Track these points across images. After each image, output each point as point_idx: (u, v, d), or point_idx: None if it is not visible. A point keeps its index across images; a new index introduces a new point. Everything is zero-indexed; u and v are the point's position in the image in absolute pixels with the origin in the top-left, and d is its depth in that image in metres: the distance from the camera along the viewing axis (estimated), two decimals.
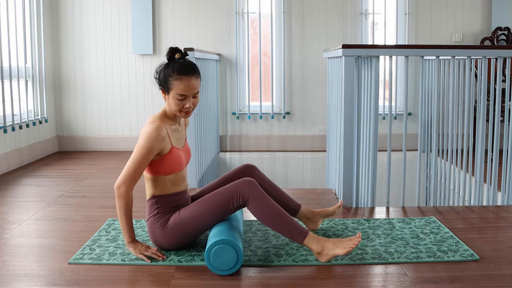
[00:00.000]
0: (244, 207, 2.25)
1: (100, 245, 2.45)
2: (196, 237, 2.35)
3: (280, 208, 2.24)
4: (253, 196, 2.20)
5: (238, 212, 2.54)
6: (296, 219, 2.78)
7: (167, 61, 2.30)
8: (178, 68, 2.25)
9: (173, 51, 2.28)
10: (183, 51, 2.30)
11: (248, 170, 2.55)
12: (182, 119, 2.45)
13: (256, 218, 2.25)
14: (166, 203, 2.31)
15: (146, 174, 2.33)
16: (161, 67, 2.31)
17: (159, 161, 2.26)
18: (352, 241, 2.19)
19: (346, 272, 2.15)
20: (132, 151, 2.24)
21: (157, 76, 2.31)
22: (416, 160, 4.31)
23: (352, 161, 3.20)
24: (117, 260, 2.27)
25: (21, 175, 4.24)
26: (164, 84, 2.28)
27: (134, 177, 2.20)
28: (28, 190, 3.78)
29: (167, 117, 2.33)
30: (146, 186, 2.35)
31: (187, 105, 2.27)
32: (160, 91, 2.33)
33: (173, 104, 2.27)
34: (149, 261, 2.24)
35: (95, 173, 4.32)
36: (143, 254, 2.26)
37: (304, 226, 2.42)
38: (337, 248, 2.18)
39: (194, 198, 2.50)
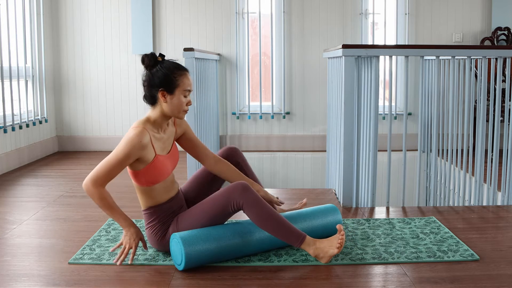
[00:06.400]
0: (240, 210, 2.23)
1: (100, 245, 2.45)
2: None
3: (277, 213, 2.20)
4: (247, 203, 2.16)
5: None
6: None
7: (149, 67, 2.26)
8: (175, 65, 2.26)
9: (152, 55, 2.25)
10: (159, 54, 2.29)
11: (231, 153, 2.55)
12: (168, 126, 2.37)
13: (253, 222, 2.23)
14: (162, 212, 2.29)
15: (136, 185, 2.29)
16: (153, 71, 2.25)
17: (144, 170, 2.21)
18: (338, 237, 2.18)
19: (346, 272, 2.16)
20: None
21: (154, 81, 2.24)
22: (416, 160, 4.31)
23: (352, 161, 3.19)
24: None
25: (21, 175, 4.24)
26: (168, 83, 2.22)
27: (105, 179, 2.16)
28: (28, 190, 3.78)
29: (151, 124, 2.27)
30: (138, 197, 2.31)
31: (189, 102, 2.28)
32: (158, 95, 2.24)
33: (178, 103, 2.24)
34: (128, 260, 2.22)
35: None
36: (126, 249, 2.20)
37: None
38: (331, 248, 2.17)
39: (185, 193, 2.49)
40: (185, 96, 2.26)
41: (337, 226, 2.18)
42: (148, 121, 2.27)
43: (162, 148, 2.29)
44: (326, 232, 2.46)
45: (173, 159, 2.36)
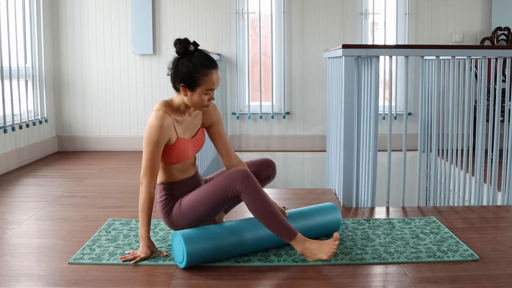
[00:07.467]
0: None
1: (100, 245, 2.45)
2: (202, 223, 2.33)
3: (273, 206, 2.21)
4: (246, 191, 2.18)
5: None
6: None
7: (179, 54, 2.20)
8: (203, 62, 2.18)
9: (184, 43, 2.19)
10: (193, 42, 2.22)
11: (267, 165, 2.51)
12: (195, 110, 2.34)
13: (248, 210, 2.23)
14: (174, 190, 2.33)
15: None
16: (179, 63, 2.19)
17: (165, 150, 2.25)
18: (331, 244, 2.16)
19: (346, 272, 2.15)
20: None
21: (177, 74, 2.20)
22: (416, 160, 4.30)
23: (352, 161, 3.19)
24: (117, 260, 2.27)
25: (21, 175, 4.24)
26: (190, 81, 2.18)
27: (152, 170, 2.21)
28: (28, 190, 3.78)
29: (174, 107, 2.27)
30: None
31: (212, 98, 2.25)
32: (180, 88, 2.22)
33: (198, 100, 2.22)
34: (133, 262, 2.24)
35: (95, 173, 4.32)
36: (137, 255, 2.27)
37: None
38: (320, 253, 2.16)
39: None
40: (207, 94, 2.22)
41: (334, 234, 2.18)
42: (170, 103, 2.28)
43: (185, 131, 2.30)
44: (326, 231, 2.49)
45: (197, 144, 2.37)
